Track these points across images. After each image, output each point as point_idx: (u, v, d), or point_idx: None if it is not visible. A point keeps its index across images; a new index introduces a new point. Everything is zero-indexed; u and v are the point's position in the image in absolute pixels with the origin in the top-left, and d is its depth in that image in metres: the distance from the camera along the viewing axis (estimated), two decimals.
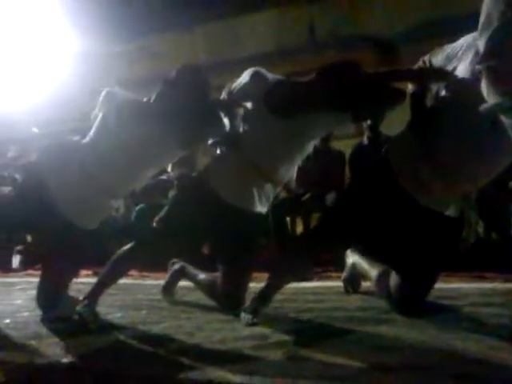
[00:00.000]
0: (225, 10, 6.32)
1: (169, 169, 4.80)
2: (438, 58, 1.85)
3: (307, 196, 4.14)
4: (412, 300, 2.01)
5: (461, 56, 1.74)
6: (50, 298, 2.31)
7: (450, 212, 1.89)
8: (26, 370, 1.61)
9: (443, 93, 1.79)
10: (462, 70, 1.72)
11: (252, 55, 5.70)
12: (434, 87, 1.85)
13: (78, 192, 2.24)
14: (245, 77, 2.20)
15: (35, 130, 7.10)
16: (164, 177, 4.43)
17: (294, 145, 2.17)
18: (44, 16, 7.37)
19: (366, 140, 4.24)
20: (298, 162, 2.27)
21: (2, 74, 7.79)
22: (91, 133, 2.32)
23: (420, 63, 1.93)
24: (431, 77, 1.88)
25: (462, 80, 1.70)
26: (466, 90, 1.65)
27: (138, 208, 4.43)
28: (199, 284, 2.52)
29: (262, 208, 2.29)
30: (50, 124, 7.24)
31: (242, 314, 2.09)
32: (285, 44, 6.07)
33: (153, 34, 6.95)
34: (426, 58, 1.91)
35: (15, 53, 7.75)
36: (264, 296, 2.14)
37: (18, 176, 5.54)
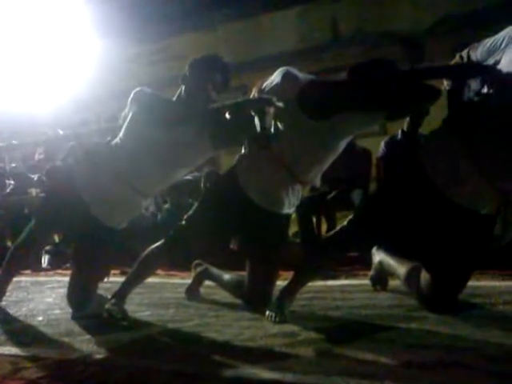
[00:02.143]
0: (247, 9, 6.32)
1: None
2: (477, 52, 1.80)
3: (332, 194, 4.12)
4: (444, 298, 1.98)
5: (504, 48, 1.69)
6: (81, 296, 2.34)
7: (486, 210, 1.85)
8: (60, 366, 1.63)
9: (485, 88, 1.74)
10: (505, 63, 1.67)
11: (275, 54, 5.69)
12: (472, 82, 1.80)
13: (108, 192, 2.26)
14: (276, 76, 2.15)
15: (60, 131, 7.21)
16: (189, 177, 4.45)
17: (327, 145, 2.13)
18: (67, 19, 7.49)
19: (400, 135, 4.12)
20: (329, 162, 2.23)
21: (26, 78, 7.94)
22: (121, 133, 2.33)
23: (457, 58, 1.88)
24: (468, 72, 1.83)
25: (505, 74, 1.65)
26: (508, 84, 1.61)
27: (165, 208, 4.46)
28: (224, 284, 2.53)
29: (289, 209, 2.28)
30: (74, 126, 7.34)
31: (268, 312, 2.09)
32: (308, 42, 6.04)
33: (174, 35, 6.99)
34: (464, 52, 1.86)
35: (38, 56, 7.89)
36: (288, 293, 2.14)
37: (45, 178, 5.64)
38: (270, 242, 2.23)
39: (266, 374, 1.42)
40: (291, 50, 5.88)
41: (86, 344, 1.87)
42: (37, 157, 7.05)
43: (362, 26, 5.86)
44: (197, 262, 2.74)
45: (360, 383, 1.32)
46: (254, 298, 2.28)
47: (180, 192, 4.38)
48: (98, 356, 1.71)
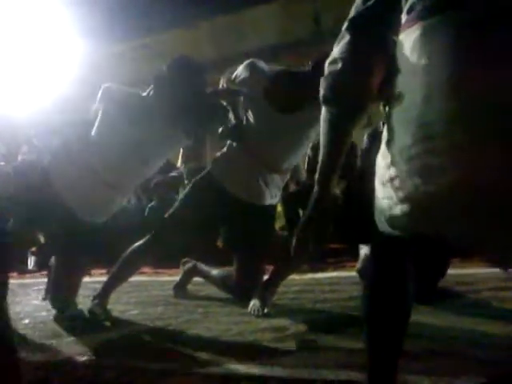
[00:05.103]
0: (229, 4, 6.28)
1: (178, 164, 4.81)
2: None
3: None
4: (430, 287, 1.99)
5: None
6: (64, 295, 2.30)
7: None
8: (48, 368, 1.61)
9: None
10: None
11: (257, 49, 5.66)
12: None
13: (84, 188, 2.20)
14: (243, 70, 2.19)
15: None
16: (174, 173, 4.42)
17: (296, 134, 2.15)
18: (48, 19, 7.39)
19: (382, 126, 4.14)
20: (303, 151, 2.25)
21: (8, 80, 7.83)
22: (94, 129, 2.29)
23: None
24: None
25: None
26: None
27: (149, 206, 4.42)
28: (213, 279, 2.51)
29: (272, 200, 2.27)
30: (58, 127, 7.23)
31: (250, 305, 2.09)
32: (290, 37, 6.02)
33: (156, 31, 6.93)
34: None
35: (20, 58, 7.78)
36: (270, 286, 2.15)
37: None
38: (256, 235, 2.22)
39: (256, 370, 1.41)
40: (274, 44, 5.86)
41: (73, 345, 1.85)
42: (20, 157, 6.95)
43: (344, 19, 5.84)
44: (185, 259, 2.73)
45: (350, 375, 1.31)
46: (241, 291, 2.27)
47: (169, 188, 4.34)
48: (86, 357, 1.69)
